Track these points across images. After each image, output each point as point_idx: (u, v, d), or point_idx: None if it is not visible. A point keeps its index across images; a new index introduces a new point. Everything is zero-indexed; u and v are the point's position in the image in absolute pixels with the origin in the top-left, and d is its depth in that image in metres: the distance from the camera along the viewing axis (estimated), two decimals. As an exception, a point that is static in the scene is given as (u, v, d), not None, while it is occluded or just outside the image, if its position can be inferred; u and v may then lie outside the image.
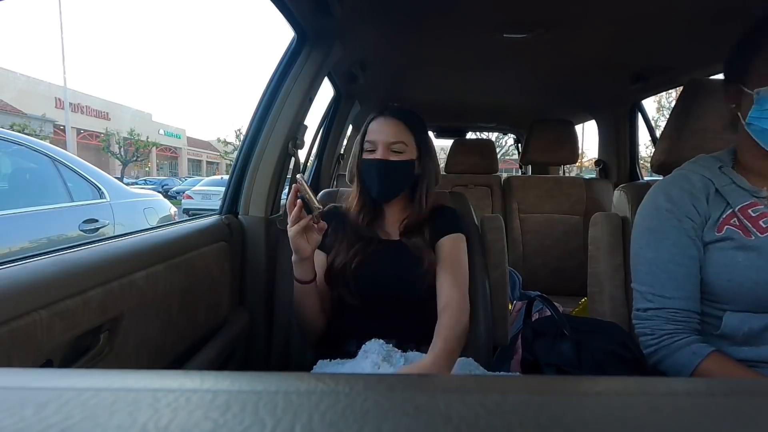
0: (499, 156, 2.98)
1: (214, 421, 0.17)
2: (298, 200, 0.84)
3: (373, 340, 0.91)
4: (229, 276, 1.08)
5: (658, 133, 1.23)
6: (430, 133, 3.45)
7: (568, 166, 2.80)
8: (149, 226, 1.00)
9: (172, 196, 13.68)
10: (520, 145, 3.80)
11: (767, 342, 0.74)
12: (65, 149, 2.84)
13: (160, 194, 3.29)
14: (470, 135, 3.86)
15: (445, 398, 0.20)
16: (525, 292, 1.75)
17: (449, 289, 0.96)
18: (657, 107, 16.77)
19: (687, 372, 0.75)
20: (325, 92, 1.98)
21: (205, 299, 0.96)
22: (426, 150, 1.05)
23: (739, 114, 0.77)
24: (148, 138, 24.22)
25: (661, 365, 0.79)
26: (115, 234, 0.91)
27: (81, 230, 2.21)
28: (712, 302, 0.78)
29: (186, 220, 1.08)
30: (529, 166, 3.30)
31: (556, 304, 1.01)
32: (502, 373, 0.98)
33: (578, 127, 2.62)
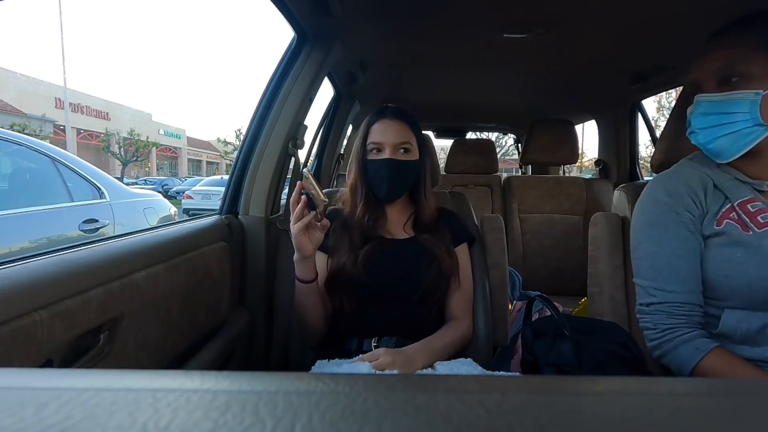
0: (499, 156, 2.98)
1: (214, 421, 0.17)
2: (302, 197, 0.84)
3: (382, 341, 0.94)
4: (229, 276, 1.08)
5: (658, 133, 1.23)
6: (430, 133, 3.47)
7: (568, 166, 2.80)
8: (149, 226, 1.00)
9: (172, 196, 13.69)
10: (520, 145, 3.80)
11: (766, 342, 0.73)
12: (65, 149, 2.84)
13: (160, 194, 3.29)
14: (470, 135, 3.86)
15: (445, 398, 0.20)
16: (525, 292, 1.75)
17: (459, 302, 1.02)
18: (657, 107, 16.77)
19: (689, 367, 0.75)
20: (325, 92, 1.98)
21: (205, 299, 0.96)
22: (426, 149, 1.07)
23: None
24: (148, 138, 24.22)
25: (663, 360, 0.79)
26: (115, 234, 0.91)
27: (81, 230, 2.21)
28: (710, 300, 0.78)
29: (186, 220, 1.08)
30: (529, 166, 3.30)
31: (556, 304, 1.01)
32: (502, 373, 0.97)
33: (578, 127, 2.62)
